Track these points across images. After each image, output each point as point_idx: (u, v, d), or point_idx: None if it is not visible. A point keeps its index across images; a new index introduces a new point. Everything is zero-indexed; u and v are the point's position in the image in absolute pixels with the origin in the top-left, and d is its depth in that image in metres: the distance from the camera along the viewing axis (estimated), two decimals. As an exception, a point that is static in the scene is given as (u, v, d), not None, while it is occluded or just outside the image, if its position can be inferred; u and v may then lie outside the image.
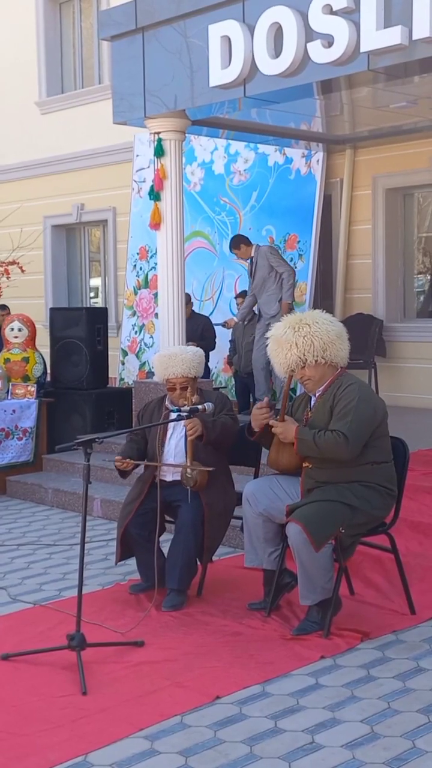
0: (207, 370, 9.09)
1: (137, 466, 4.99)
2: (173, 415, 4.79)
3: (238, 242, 8.62)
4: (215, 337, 9.08)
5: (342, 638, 4.26)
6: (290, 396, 4.65)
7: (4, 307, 10.35)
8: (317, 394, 4.46)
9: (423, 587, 4.85)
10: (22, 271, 9.23)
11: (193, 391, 4.93)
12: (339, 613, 4.40)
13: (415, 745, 3.28)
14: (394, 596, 4.78)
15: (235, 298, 9.41)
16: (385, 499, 4.37)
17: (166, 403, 5.09)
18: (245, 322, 9.17)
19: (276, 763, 3.18)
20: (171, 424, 4.96)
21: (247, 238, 8.66)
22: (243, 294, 9.32)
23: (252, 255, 8.50)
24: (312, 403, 4.49)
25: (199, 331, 8.79)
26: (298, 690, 3.77)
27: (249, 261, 8.58)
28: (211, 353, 8.96)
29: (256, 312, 8.92)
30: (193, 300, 9.32)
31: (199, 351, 5.13)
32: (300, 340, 4.34)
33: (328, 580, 4.27)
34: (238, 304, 9.30)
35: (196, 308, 9.44)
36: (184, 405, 4.78)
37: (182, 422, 4.81)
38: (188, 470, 4.76)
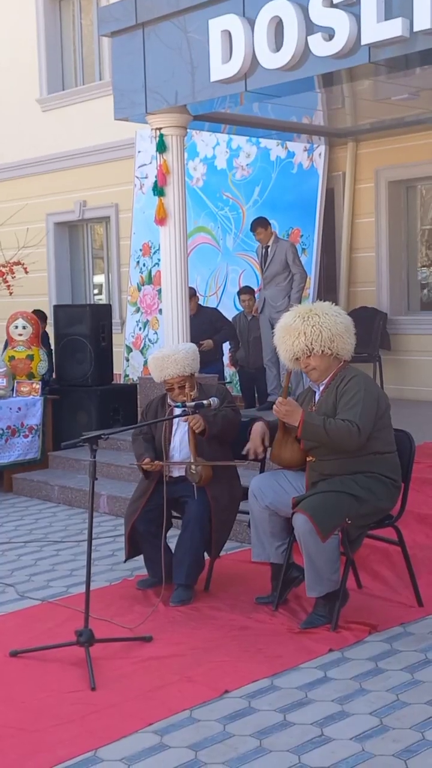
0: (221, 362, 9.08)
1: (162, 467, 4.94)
2: (177, 411, 4.79)
3: (266, 223, 8.27)
4: (230, 324, 8.94)
5: (350, 631, 4.26)
6: (289, 392, 4.64)
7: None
8: (321, 388, 4.46)
9: (430, 579, 4.85)
10: (26, 272, 9.25)
11: (192, 386, 4.93)
12: (346, 605, 4.40)
13: (425, 736, 3.28)
14: (401, 589, 4.79)
15: (239, 294, 9.39)
16: (390, 490, 4.38)
17: (168, 400, 5.09)
18: (249, 318, 9.17)
19: (285, 756, 3.18)
20: (175, 421, 4.96)
21: (271, 224, 8.43)
22: (246, 289, 9.29)
23: (269, 244, 8.31)
24: (316, 398, 4.50)
25: (206, 325, 8.73)
26: (306, 683, 3.78)
27: (263, 248, 8.38)
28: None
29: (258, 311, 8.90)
30: (197, 294, 9.25)
31: (193, 347, 5.12)
32: (309, 330, 4.35)
33: (334, 572, 4.27)
34: (241, 300, 9.27)
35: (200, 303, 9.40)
36: (185, 401, 4.77)
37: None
38: (192, 466, 4.76)
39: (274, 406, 4.41)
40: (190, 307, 8.70)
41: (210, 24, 6.45)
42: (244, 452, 4.61)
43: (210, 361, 8.70)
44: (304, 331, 4.35)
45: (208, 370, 8.41)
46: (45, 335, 9.45)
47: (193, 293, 8.86)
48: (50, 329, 9.42)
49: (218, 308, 9.44)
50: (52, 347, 9.22)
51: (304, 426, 4.27)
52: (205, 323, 8.73)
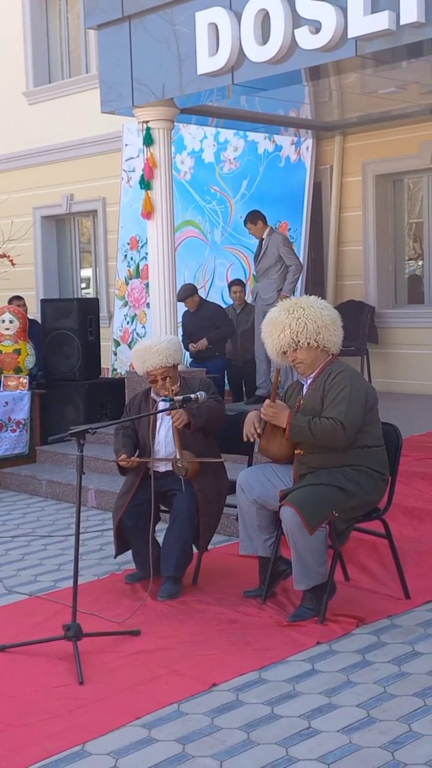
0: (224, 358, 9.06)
1: (139, 463, 4.93)
2: (162, 405, 4.77)
3: (257, 218, 8.32)
4: (230, 323, 8.91)
5: (337, 624, 4.28)
6: (278, 387, 4.64)
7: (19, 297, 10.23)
8: (309, 382, 4.47)
9: (417, 572, 4.87)
10: (13, 264, 9.21)
11: (174, 380, 4.91)
12: (334, 598, 4.42)
13: (411, 728, 3.29)
14: (388, 581, 4.80)
15: (230, 286, 9.38)
16: (378, 483, 4.39)
17: (152, 394, 5.07)
18: (238, 311, 9.17)
19: (273, 749, 3.19)
20: (160, 415, 4.94)
21: (266, 217, 8.41)
22: (237, 281, 9.29)
23: (263, 237, 8.33)
24: (304, 391, 4.50)
25: (207, 322, 8.72)
26: (294, 676, 3.78)
27: (258, 242, 8.42)
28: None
29: (251, 300, 8.90)
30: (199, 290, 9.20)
31: (174, 338, 5.12)
32: (293, 322, 4.36)
33: (321, 565, 4.28)
34: (232, 292, 9.26)
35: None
36: (167, 395, 4.75)
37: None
38: (177, 462, 4.76)
39: (262, 409, 4.41)
40: (189, 305, 8.73)
41: (197, 17, 6.42)
42: (244, 439, 4.56)
43: (209, 357, 8.71)
44: (289, 324, 4.36)
45: (208, 365, 8.42)
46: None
47: (194, 291, 8.84)
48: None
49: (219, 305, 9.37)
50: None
51: (290, 428, 4.29)
52: (206, 320, 8.71)
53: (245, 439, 4.55)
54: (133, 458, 4.85)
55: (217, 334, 8.73)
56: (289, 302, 4.48)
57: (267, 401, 4.43)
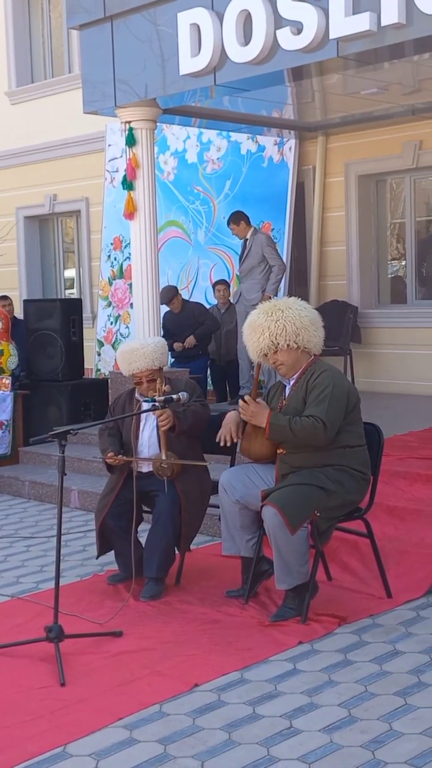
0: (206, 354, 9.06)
1: (126, 462, 4.92)
2: (146, 406, 4.78)
3: (239, 218, 8.32)
4: (214, 318, 8.92)
5: (319, 623, 4.29)
6: (260, 386, 4.65)
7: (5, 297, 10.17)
8: (291, 383, 4.48)
9: (399, 571, 4.88)
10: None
11: (162, 381, 4.92)
12: (316, 598, 4.42)
13: (392, 727, 3.31)
14: (370, 580, 4.82)
15: (214, 286, 9.38)
16: (359, 483, 4.40)
17: (137, 395, 5.07)
18: (222, 311, 9.18)
19: (254, 749, 3.19)
20: (143, 416, 4.94)
21: (248, 218, 8.42)
22: (221, 282, 9.30)
23: (247, 237, 8.34)
24: (287, 392, 4.51)
25: (190, 320, 8.72)
26: (276, 676, 3.79)
27: (243, 242, 8.44)
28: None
29: (233, 301, 8.90)
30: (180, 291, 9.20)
31: (161, 341, 5.11)
32: (272, 325, 4.36)
33: (303, 564, 4.29)
34: (216, 291, 9.27)
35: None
36: (154, 396, 4.75)
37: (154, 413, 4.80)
38: (162, 463, 4.75)
39: (240, 408, 4.41)
40: (174, 306, 8.74)
41: (179, 17, 6.42)
42: (217, 440, 4.58)
43: (194, 356, 8.71)
44: (268, 327, 4.37)
45: (192, 365, 8.41)
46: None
47: (176, 292, 8.85)
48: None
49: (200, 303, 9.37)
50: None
51: (270, 428, 4.29)
52: (189, 318, 8.72)
53: (218, 440, 4.55)
54: (119, 456, 4.84)
55: (202, 330, 8.75)
56: (268, 305, 4.48)
57: (246, 397, 4.40)
